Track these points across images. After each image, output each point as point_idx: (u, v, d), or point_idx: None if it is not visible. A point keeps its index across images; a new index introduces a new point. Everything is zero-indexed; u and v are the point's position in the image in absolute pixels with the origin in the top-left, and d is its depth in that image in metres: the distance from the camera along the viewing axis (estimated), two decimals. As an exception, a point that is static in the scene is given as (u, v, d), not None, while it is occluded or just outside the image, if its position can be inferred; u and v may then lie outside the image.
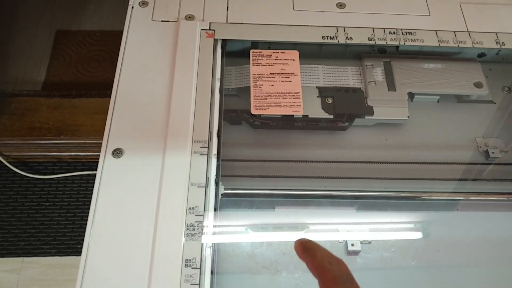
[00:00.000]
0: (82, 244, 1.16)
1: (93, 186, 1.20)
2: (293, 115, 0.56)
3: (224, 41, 0.58)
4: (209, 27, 0.57)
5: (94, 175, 1.26)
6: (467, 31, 0.60)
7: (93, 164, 1.26)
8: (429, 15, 0.62)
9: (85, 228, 1.17)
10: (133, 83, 0.52)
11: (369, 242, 0.52)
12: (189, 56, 0.54)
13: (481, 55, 0.64)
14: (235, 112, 0.57)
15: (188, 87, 0.52)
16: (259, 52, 0.57)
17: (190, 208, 0.45)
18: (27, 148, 1.24)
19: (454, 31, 0.60)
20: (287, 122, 0.57)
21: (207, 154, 0.49)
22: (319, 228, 0.53)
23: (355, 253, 0.51)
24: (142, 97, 0.51)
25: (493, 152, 0.59)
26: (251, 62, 0.56)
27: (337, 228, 0.52)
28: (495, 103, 0.64)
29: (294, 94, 0.54)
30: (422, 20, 0.61)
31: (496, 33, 0.60)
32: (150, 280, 0.41)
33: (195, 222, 0.45)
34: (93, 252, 0.43)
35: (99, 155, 1.32)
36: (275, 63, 0.56)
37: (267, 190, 0.53)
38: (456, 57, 0.63)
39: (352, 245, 0.51)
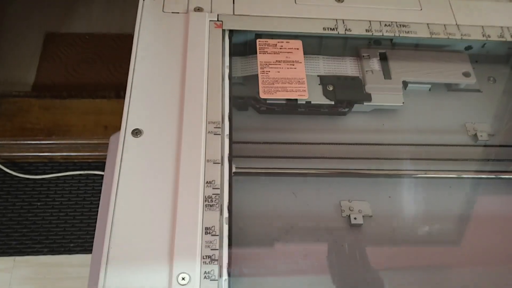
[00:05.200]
0: (74, 243, 1.17)
1: (85, 186, 1.22)
2: (296, 101, 0.60)
3: (231, 32, 0.61)
4: (217, 19, 0.60)
5: (86, 175, 1.27)
6: (456, 24, 0.65)
7: (84, 164, 1.28)
8: (421, 9, 0.66)
9: (77, 227, 1.18)
10: (148, 69, 0.55)
11: (370, 216, 0.56)
12: (200, 45, 0.57)
13: (468, 48, 0.69)
14: (242, 98, 0.61)
15: (200, 73, 0.55)
16: (265, 41, 0.60)
17: (207, 182, 0.48)
18: (18, 148, 1.25)
19: (444, 24, 0.65)
20: (291, 108, 0.60)
21: (221, 134, 0.52)
22: (322, 203, 0.56)
23: (358, 226, 0.55)
24: (157, 82, 0.54)
25: (481, 136, 0.63)
26: (258, 50, 0.60)
27: (339, 202, 0.56)
28: (482, 91, 0.68)
29: (299, 80, 0.58)
30: (415, 14, 0.65)
31: (482, 26, 0.65)
32: (173, 246, 0.44)
33: (213, 194, 0.48)
34: (118, 223, 0.45)
35: (90, 155, 1.33)
36: (280, 52, 0.60)
37: (275, 169, 0.57)
38: (445, 49, 0.68)
39: (355, 218, 0.55)
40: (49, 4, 1.49)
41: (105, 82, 1.36)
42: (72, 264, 1.15)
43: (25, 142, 1.25)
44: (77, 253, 1.15)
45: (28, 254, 1.15)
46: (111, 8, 1.48)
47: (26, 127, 1.26)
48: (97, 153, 1.26)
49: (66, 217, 1.19)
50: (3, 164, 1.22)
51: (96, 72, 1.38)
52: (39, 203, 1.21)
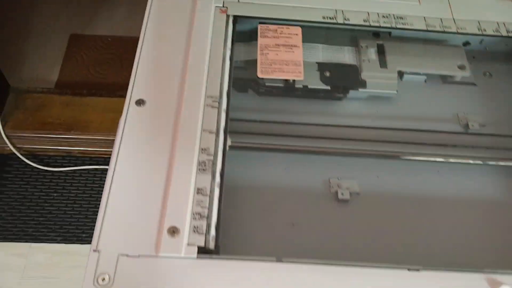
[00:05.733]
0: (86, 233, 1.21)
1: (100, 180, 1.26)
2: (294, 85, 0.63)
3: (235, 18, 0.65)
4: (223, 5, 0.64)
5: (101, 169, 1.32)
6: (452, 18, 0.68)
7: (100, 159, 1.32)
8: (419, 4, 0.69)
9: (90, 218, 1.22)
10: (154, 46, 0.59)
11: (358, 194, 0.58)
12: (204, 27, 0.61)
13: (466, 43, 0.71)
14: (242, 80, 0.64)
15: (203, 52, 0.59)
16: (267, 26, 0.64)
17: (202, 149, 0.52)
18: (39, 141, 1.30)
19: (441, 18, 0.67)
20: (288, 90, 0.64)
21: (218, 108, 0.55)
22: (311, 179, 0.59)
23: (345, 201, 0.57)
24: (163, 58, 0.58)
25: (472, 125, 0.66)
26: (259, 34, 0.64)
27: (329, 179, 0.59)
28: (476, 85, 0.70)
29: (296, 62, 0.61)
30: (412, 8, 0.68)
31: (478, 21, 0.68)
32: (166, 202, 0.47)
33: (206, 160, 0.51)
34: (117, 180, 0.49)
35: (106, 150, 1.38)
36: (280, 36, 0.63)
37: (269, 145, 0.60)
38: (443, 44, 0.70)
39: (342, 194, 0.57)
40: (75, 8, 1.57)
41: (123, 82, 1.40)
42: (83, 253, 1.19)
43: (46, 136, 1.30)
44: (89, 243, 1.18)
45: (43, 242, 1.19)
46: (132, 14, 1.55)
47: (47, 122, 1.32)
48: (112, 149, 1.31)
49: (80, 208, 1.24)
50: (24, 156, 1.27)
51: (115, 73, 1.43)
52: (55, 194, 1.25)
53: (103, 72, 1.44)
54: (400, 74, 0.68)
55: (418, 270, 0.45)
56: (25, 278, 1.14)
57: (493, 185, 0.61)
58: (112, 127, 1.34)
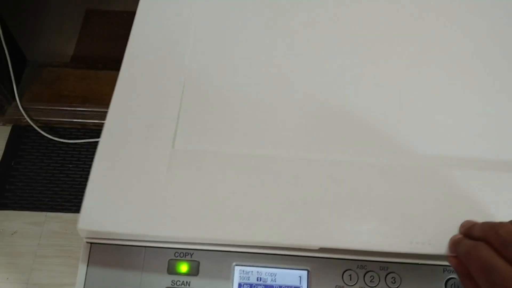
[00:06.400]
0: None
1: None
2: None
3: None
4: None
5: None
6: None
7: (114, 132, 1.34)
8: None
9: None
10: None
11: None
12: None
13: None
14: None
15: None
16: None
17: None
18: (54, 114, 1.33)
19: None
20: None
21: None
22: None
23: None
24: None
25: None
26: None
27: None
28: None
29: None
30: None
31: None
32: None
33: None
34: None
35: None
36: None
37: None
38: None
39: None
40: (91, -17, 1.58)
41: (138, 56, 1.43)
42: (97, 222, 1.21)
43: (61, 108, 1.33)
44: (103, 213, 1.22)
45: (58, 211, 1.23)
46: (148, -13, 1.55)
47: (63, 95, 1.34)
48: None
49: (95, 179, 1.27)
50: (40, 128, 1.29)
51: (130, 48, 1.44)
52: (70, 165, 1.28)
53: (117, 46, 1.44)
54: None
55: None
56: (41, 246, 1.17)
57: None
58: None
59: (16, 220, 1.20)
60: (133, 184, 0.43)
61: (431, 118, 0.48)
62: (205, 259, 0.41)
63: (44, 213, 1.22)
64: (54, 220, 1.21)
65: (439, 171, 0.44)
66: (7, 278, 1.13)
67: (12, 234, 1.18)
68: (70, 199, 1.24)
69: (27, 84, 1.35)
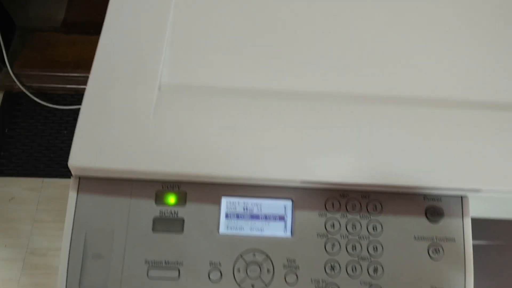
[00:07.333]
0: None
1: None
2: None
3: None
4: None
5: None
6: None
7: (108, 97, 1.34)
8: None
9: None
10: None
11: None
12: None
13: None
14: None
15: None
16: None
17: None
18: (47, 79, 1.31)
19: None
20: None
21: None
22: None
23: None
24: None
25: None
26: None
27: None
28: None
29: None
30: None
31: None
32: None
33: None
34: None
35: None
36: None
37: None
38: None
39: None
40: None
41: (130, 20, 1.41)
42: (94, 187, 1.22)
43: (54, 74, 1.31)
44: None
45: (55, 177, 1.23)
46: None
47: (55, 60, 1.32)
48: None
49: (90, 144, 1.27)
50: (33, 94, 1.28)
51: (122, 12, 1.42)
52: (65, 131, 1.28)
53: (108, 11, 1.44)
54: None
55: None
56: (39, 211, 1.18)
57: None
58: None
59: (13, 186, 1.21)
60: (121, 120, 0.43)
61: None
62: (192, 190, 0.42)
63: (41, 179, 1.22)
64: (51, 185, 1.22)
65: (418, 111, 0.45)
66: (5, 246, 1.14)
67: (10, 200, 1.19)
68: (66, 164, 1.23)
69: (18, 50, 1.33)
